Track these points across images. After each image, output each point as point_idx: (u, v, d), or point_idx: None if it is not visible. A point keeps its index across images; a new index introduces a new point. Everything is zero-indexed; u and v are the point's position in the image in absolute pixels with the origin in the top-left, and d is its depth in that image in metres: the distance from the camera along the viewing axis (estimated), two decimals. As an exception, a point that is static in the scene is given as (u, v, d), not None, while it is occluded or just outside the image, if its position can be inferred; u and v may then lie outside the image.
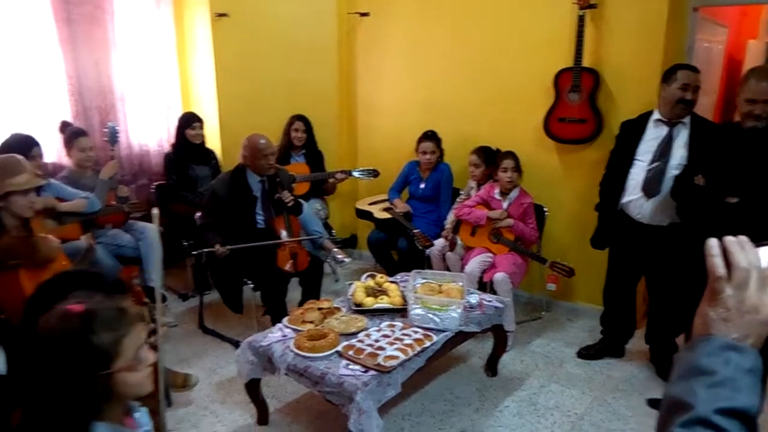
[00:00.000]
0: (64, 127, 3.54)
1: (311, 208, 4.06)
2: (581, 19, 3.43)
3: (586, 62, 3.50)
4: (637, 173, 2.98)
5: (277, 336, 2.60)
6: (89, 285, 1.26)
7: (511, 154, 3.57)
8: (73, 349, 1.14)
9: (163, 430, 1.38)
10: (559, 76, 3.62)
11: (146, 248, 3.57)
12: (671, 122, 2.91)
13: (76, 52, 3.85)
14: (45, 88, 3.72)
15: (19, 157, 2.54)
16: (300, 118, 4.42)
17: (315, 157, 4.50)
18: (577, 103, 3.59)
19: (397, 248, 4.00)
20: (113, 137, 3.60)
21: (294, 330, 2.64)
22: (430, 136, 4.04)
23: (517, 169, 3.55)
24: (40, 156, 3.26)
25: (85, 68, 3.92)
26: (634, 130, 3.04)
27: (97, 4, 3.91)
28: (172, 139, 4.28)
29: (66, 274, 1.33)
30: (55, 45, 3.72)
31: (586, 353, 3.37)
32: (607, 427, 2.72)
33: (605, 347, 3.36)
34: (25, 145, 3.07)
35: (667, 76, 2.88)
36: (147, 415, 1.43)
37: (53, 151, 3.67)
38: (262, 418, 2.72)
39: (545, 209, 3.80)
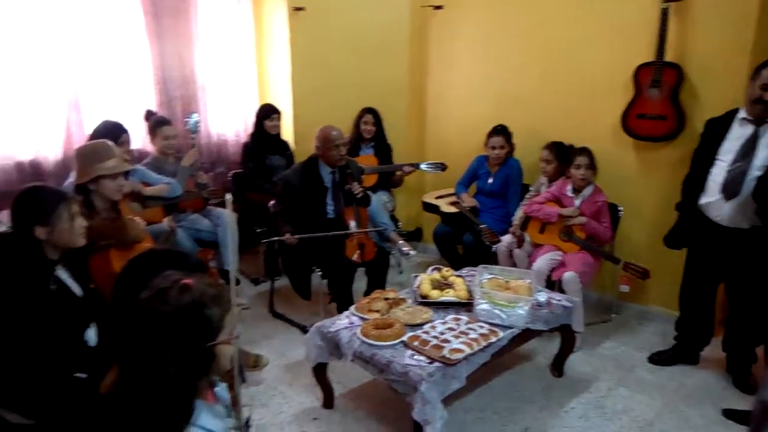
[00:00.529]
0: (149, 115, 3.74)
1: (379, 200, 4.12)
2: (665, 12, 3.29)
3: (668, 57, 3.36)
4: (718, 173, 2.85)
5: (345, 323, 2.67)
6: (175, 264, 1.34)
7: (585, 151, 3.48)
8: (193, 320, 1.20)
9: (238, 405, 1.45)
10: (639, 71, 3.49)
11: (223, 233, 3.73)
12: (758, 121, 2.76)
13: (162, 44, 4.05)
14: (132, 78, 3.93)
15: (109, 142, 2.70)
16: (370, 110, 4.48)
17: (384, 150, 4.55)
18: (657, 98, 3.45)
19: (463, 243, 3.99)
20: (194, 126, 3.78)
21: (361, 318, 2.70)
22: (500, 130, 4.00)
23: (592, 166, 3.46)
24: (128, 142, 3.45)
25: (170, 59, 4.11)
26: (718, 128, 2.90)
27: (182, -3, 4.10)
28: (250, 129, 4.43)
29: (154, 253, 1.42)
30: (142, 37, 3.92)
31: (659, 358, 3.26)
32: (678, 435, 2.63)
33: (679, 353, 3.23)
34: (114, 132, 3.26)
35: (754, 73, 2.74)
36: (226, 390, 1.51)
37: (138, 138, 3.88)
38: (328, 401, 2.80)
39: (620, 208, 3.68)
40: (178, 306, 1.19)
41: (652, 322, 3.74)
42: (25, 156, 3.49)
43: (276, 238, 3.30)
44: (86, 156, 2.60)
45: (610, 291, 3.84)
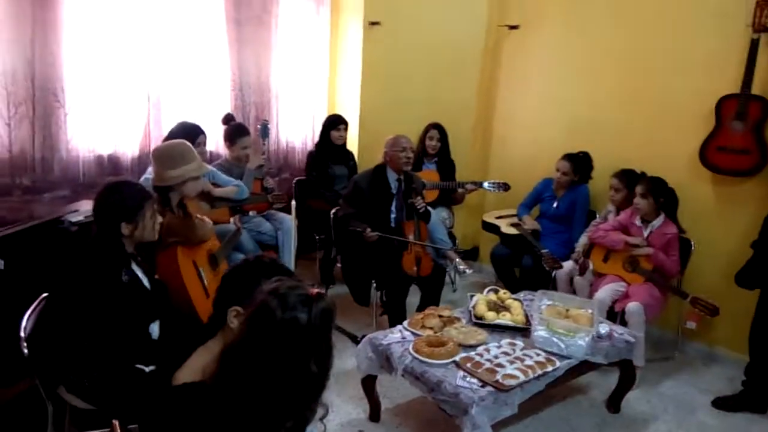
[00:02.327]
0: (228, 120, 3.86)
1: (438, 216, 4.10)
2: (754, 43, 3.16)
3: (755, 89, 3.21)
4: None
5: (397, 337, 2.66)
6: (275, 274, 1.39)
7: (644, 179, 3.37)
8: (329, 325, 1.30)
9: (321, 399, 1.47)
10: (723, 102, 3.35)
11: (283, 237, 3.80)
12: None
13: (241, 51, 4.19)
14: (211, 82, 4.08)
15: (189, 144, 2.80)
16: (435, 126, 4.48)
17: (447, 166, 4.53)
18: (740, 132, 3.30)
19: (521, 266, 3.91)
20: (265, 132, 3.88)
21: (413, 333, 2.68)
22: (571, 156, 3.92)
23: (652, 194, 3.32)
24: (204, 144, 3.57)
25: (247, 66, 4.25)
26: None
27: (264, 7, 4.23)
28: (316, 138, 4.51)
29: (258, 261, 1.48)
30: (224, 43, 4.08)
31: (723, 403, 3.08)
32: (742, 489, 2.47)
33: (746, 400, 3.05)
34: (192, 133, 3.37)
35: None
36: None
37: (212, 140, 4.01)
38: (374, 414, 2.79)
39: (692, 242, 3.52)
40: (319, 312, 1.25)
41: (718, 364, 3.55)
42: (105, 150, 3.67)
43: (358, 228, 3.33)
44: (171, 158, 2.67)
45: (674, 328, 3.67)
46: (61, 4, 3.28)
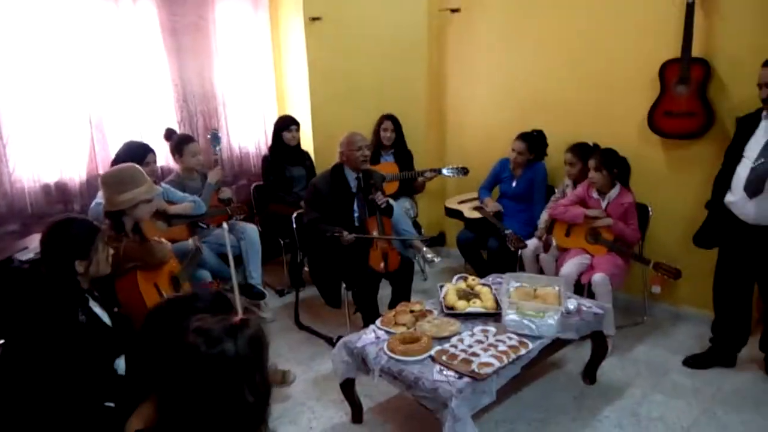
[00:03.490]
0: (170, 134, 3.76)
1: (401, 207, 4.10)
2: (690, 7, 3.21)
3: (695, 52, 3.27)
4: (743, 171, 2.78)
5: (371, 338, 2.65)
6: (197, 308, 1.34)
7: (596, 153, 3.43)
8: (260, 348, 1.27)
9: (266, 426, 1.44)
10: (666, 68, 3.41)
11: (247, 247, 3.74)
12: None
13: (181, 60, 4.08)
14: (154, 96, 3.97)
15: (138, 166, 2.72)
16: (389, 117, 4.47)
17: (404, 156, 4.52)
18: (685, 95, 3.36)
19: (488, 248, 3.94)
20: (216, 141, 3.80)
21: (387, 332, 2.68)
22: (524, 136, 3.96)
23: (605, 167, 3.36)
24: (154, 161, 3.47)
25: (190, 75, 4.14)
26: (747, 125, 2.84)
27: (200, 14, 4.12)
28: (269, 142, 4.44)
29: (172, 302, 1.43)
30: (162, 55, 3.96)
31: (694, 361, 3.18)
32: (717, 443, 2.55)
33: (715, 355, 3.15)
34: (140, 153, 3.28)
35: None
36: None
37: (162, 156, 3.90)
38: (356, 416, 2.78)
39: (649, 208, 3.60)
40: (246, 340, 1.23)
41: (686, 323, 3.65)
42: (51, 178, 3.54)
43: (336, 234, 3.28)
44: (121, 182, 2.59)
45: (640, 293, 3.76)
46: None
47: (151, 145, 3.50)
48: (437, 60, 4.77)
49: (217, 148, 3.81)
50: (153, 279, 2.61)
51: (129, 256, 2.50)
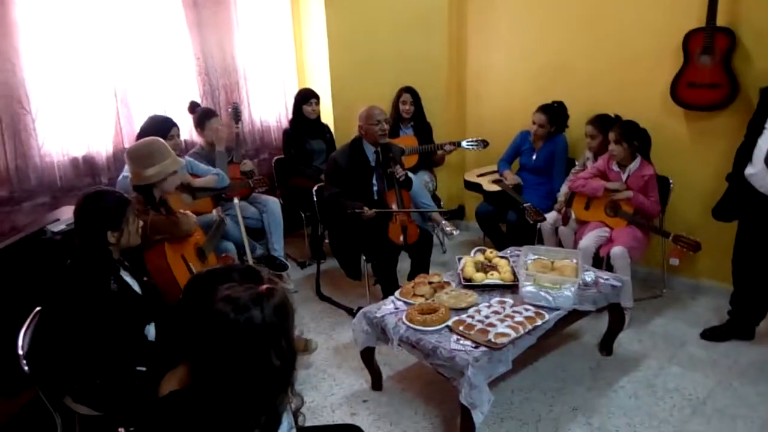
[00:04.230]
0: (194, 107, 3.81)
1: (420, 180, 4.12)
2: (716, -26, 3.13)
3: (720, 21, 3.21)
4: (764, 143, 2.74)
5: (390, 308, 2.71)
6: (230, 279, 1.41)
7: (616, 125, 3.39)
8: (286, 314, 1.33)
9: (293, 389, 1.52)
10: (689, 37, 3.35)
11: (269, 219, 3.82)
12: None
13: (203, 35, 4.10)
14: (176, 70, 4.01)
15: (161, 140, 2.78)
16: (408, 90, 4.46)
17: (423, 129, 4.53)
18: (709, 66, 3.31)
19: (506, 221, 3.96)
20: (237, 115, 3.85)
21: (405, 303, 2.74)
22: (545, 108, 3.92)
23: (625, 139, 3.34)
24: (178, 135, 3.53)
25: (211, 49, 4.16)
26: None
27: (220, -14, 4.13)
28: (290, 115, 4.48)
29: (210, 273, 1.50)
30: (183, 29, 3.99)
31: (711, 334, 3.19)
32: (732, 413, 2.58)
33: (733, 328, 3.16)
34: (164, 127, 3.34)
35: None
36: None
37: (185, 129, 3.96)
38: (376, 384, 2.87)
39: (670, 181, 3.57)
40: (272, 307, 1.29)
41: (705, 296, 3.66)
42: (79, 152, 3.63)
43: (358, 210, 3.32)
44: (146, 156, 2.64)
45: (659, 265, 3.76)
46: (12, 6, 3.19)
47: (175, 119, 3.56)
48: (457, 30, 4.73)
49: (239, 122, 3.85)
50: (180, 251, 2.69)
51: (156, 228, 2.58)
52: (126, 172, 3.03)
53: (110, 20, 3.62)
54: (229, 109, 3.98)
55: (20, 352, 1.96)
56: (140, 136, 3.31)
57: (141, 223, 2.23)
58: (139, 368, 2.03)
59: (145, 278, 2.30)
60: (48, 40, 3.37)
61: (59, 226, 2.81)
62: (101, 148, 3.70)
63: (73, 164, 3.62)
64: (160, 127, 3.31)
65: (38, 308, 2.11)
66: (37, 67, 3.34)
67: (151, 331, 2.15)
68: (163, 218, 2.65)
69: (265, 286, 1.32)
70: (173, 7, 3.91)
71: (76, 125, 3.58)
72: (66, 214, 2.99)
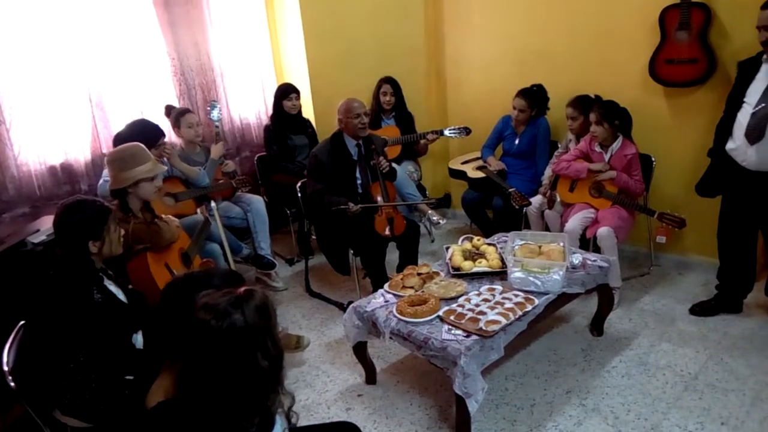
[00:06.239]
0: (169, 110, 3.75)
1: (404, 171, 4.10)
2: (689, -51, 3.13)
3: (695, -4, 3.21)
4: (744, 117, 2.76)
5: (380, 302, 2.70)
6: (206, 285, 1.39)
7: (595, 106, 3.38)
8: (268, 314, 1.32)
9: (283, 388, 1.51)
10: (665, 14, 3.35)
11: (254, 218, 3.78)
12: None
13: (176, 34, 4.02)
14: (151, 72, 3.93)
15: (142, 145, 2.73)
16: (388, 80, 4.43)
17: (405, 119, 4.50)
18: (686, 42, 3.31)
19: (492, 207, 3.96)
20: (217, 116, 3.79)
21: (395, 295, 2.73)
22: (524, 92, 3.91)
23: (605, 119, 3.33)
24: (165, 145, 3.44)
25: (185, 48, 4.09)
26: (748, 70, 2.80)
27: (191, -16, 4.05)
28: (270, 111, 4.43)
29: (186, 278, 1.47)
30: (155, 28, 3.91)
31: (700, 309, 3.22)
32: (724, 387, 2.60)
33: (721, 302, 3.19)
34: (152, 136, 3.26)
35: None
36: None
37: (165, 131, 3.89)
38: (370, 377, 2.87)
39: (653, 159, 3.58)
40: (253, 309, 1.28)
41: (692, 272, 3.69)
42: (56, 159, 3.56)
43: (343, 207, 3.30)
44: (123, 160, 2.61)
45: (646, 243, 3.78)
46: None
47: (155, 122, 3.49)
48: (434, 17, 4.70)
49: (218, 121, 3.80)
50: (163, 259, 2.65)
51: (137, 238, 2.54)
52: (106, 176, 2.99)
53: (81, 24, 3.54)
54: (208, 108, 3.92)
55: (5, 368, 1.93)
56: (125, 140, 3.24)
57: (123, 231, 2.19)
58: (127, 377, 2.00)
59: (130, 286, 2.27)
60: (18, 47, 3.29)
61: (40, 237, 2.76)
62: (79, 154, 3.63)
63: (51, 172, 3.55)
64: (149, 135, 3.23)
65: (22, 322, 2.07)
66: (8, 75, 3.26)
67: (138, 339, 2.12)
68: (143, 227, 2.61)
69: (242, 289, 1.30)
70: (144, 7, 3.83)
71: (52, 132, 3.50)
72: (46, 224, 2.93)
